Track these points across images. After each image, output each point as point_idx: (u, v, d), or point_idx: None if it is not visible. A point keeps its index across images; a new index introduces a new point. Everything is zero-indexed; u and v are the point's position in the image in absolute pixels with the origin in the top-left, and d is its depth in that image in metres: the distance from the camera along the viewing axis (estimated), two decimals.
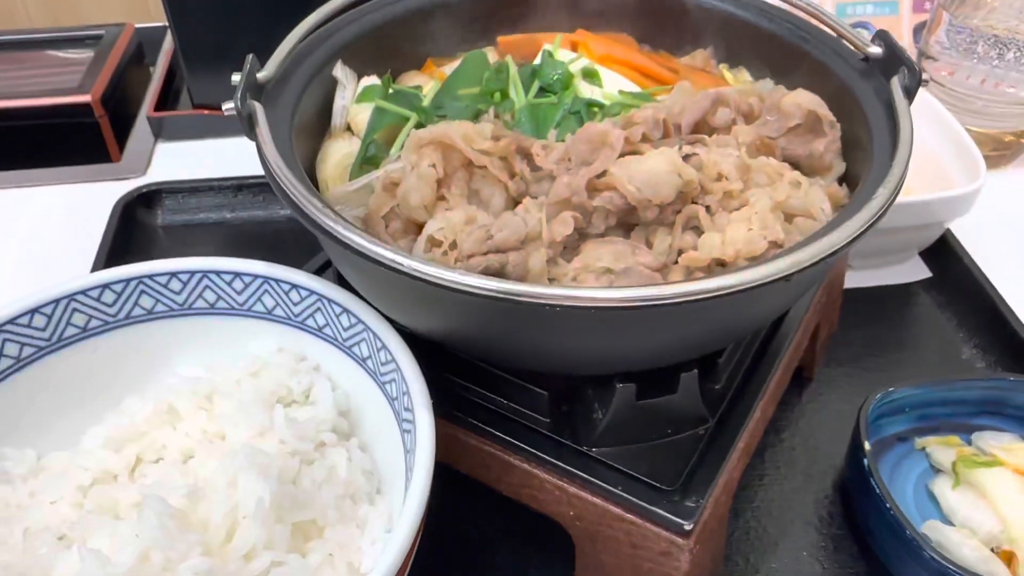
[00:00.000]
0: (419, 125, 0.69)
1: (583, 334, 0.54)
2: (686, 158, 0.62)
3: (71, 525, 0.57)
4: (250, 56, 0.65)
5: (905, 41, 1.25)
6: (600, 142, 0.61)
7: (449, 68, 0.80)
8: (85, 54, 1.33)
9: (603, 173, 0.59)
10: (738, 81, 0.79)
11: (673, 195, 0.59)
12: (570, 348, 0.57)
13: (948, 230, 0.98)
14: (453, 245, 0.57)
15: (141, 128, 1.23)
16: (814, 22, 0.74)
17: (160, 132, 1.21)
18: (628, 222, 0.62)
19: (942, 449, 0.76)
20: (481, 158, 0.61)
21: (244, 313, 0.68)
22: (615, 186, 0.59)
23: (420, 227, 0.61)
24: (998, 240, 1.03)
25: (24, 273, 1.01)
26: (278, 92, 0.68)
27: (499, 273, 0.57)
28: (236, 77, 0.64)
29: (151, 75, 1.41)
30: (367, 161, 0.68)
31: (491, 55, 0.81)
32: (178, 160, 1.17)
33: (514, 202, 0.62)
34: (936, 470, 0.76)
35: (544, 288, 0.49)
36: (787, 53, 0.75)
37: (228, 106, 0.62)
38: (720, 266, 0.57)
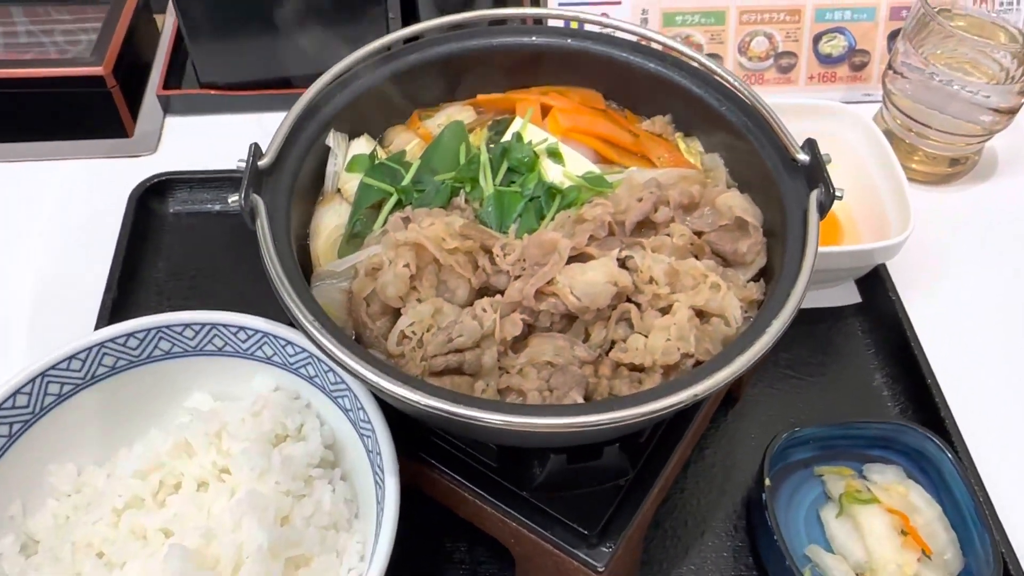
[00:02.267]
0: (399, 202, 0.79)
1: (519, 436, 0.67)
2: (624, 261, 0.73)
3: (109, 544, 0.72)
4: (252, 145, 0.75)
5: (879, 48, 1.31)
6: (551, 248, 0.72)
7: (432, 122, 0.89)
8: (94, 12, 1.37)
9: (551, 280, 0.71)
10: (691, 151, 0.88)
11: (608, 301, 0.71)
12: (510, 439, 0.70)
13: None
14: (420, 343, 0.69)
15: (151, 103, 1.30)
16: (761, 112, 0.82)
17: (169, 108, 1.29)
18: (571, 315, 0.73)
19: (835, 479, 0.90)
20: (448, 258, 0.72)
21: (247, 357, 0.81)
22: (558, 294, 0.70)
23: (395, 311, 0.73)
24: (937, 250, 1.15)
25: (50, 254, 1.12)
26: (278, 167, 0.77)
27: (458, 368, 0.69)
28: (241, 164, 0.74)
29: (158, 31, 1.46)
30: (355, 235, 0.78)
31: (468, 111, 0.90)
32: (186, 137, 1.26)
33: (476, 291, 0.74)
34: (827, 497, 0.90)
35: (484, 412, 0.60)
36: (733, 135, 0.84)
37: (233, 199, 0.72)
38: (640, 371, 0.70)
